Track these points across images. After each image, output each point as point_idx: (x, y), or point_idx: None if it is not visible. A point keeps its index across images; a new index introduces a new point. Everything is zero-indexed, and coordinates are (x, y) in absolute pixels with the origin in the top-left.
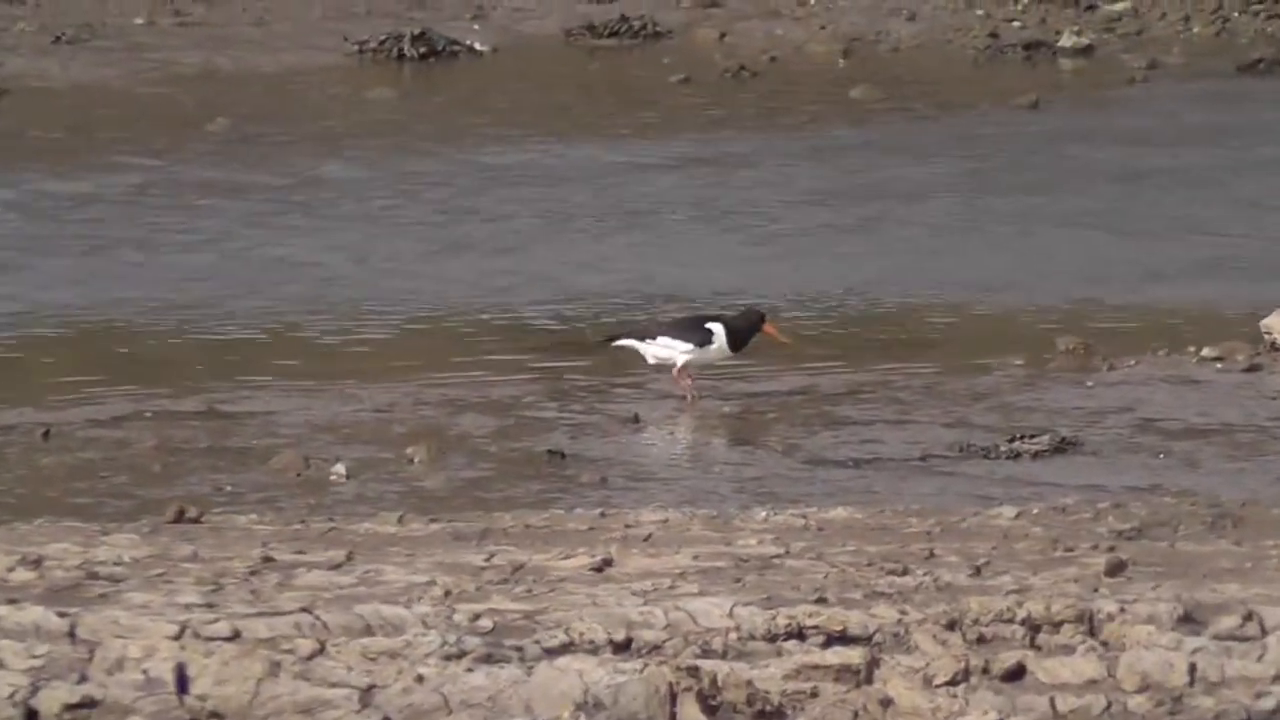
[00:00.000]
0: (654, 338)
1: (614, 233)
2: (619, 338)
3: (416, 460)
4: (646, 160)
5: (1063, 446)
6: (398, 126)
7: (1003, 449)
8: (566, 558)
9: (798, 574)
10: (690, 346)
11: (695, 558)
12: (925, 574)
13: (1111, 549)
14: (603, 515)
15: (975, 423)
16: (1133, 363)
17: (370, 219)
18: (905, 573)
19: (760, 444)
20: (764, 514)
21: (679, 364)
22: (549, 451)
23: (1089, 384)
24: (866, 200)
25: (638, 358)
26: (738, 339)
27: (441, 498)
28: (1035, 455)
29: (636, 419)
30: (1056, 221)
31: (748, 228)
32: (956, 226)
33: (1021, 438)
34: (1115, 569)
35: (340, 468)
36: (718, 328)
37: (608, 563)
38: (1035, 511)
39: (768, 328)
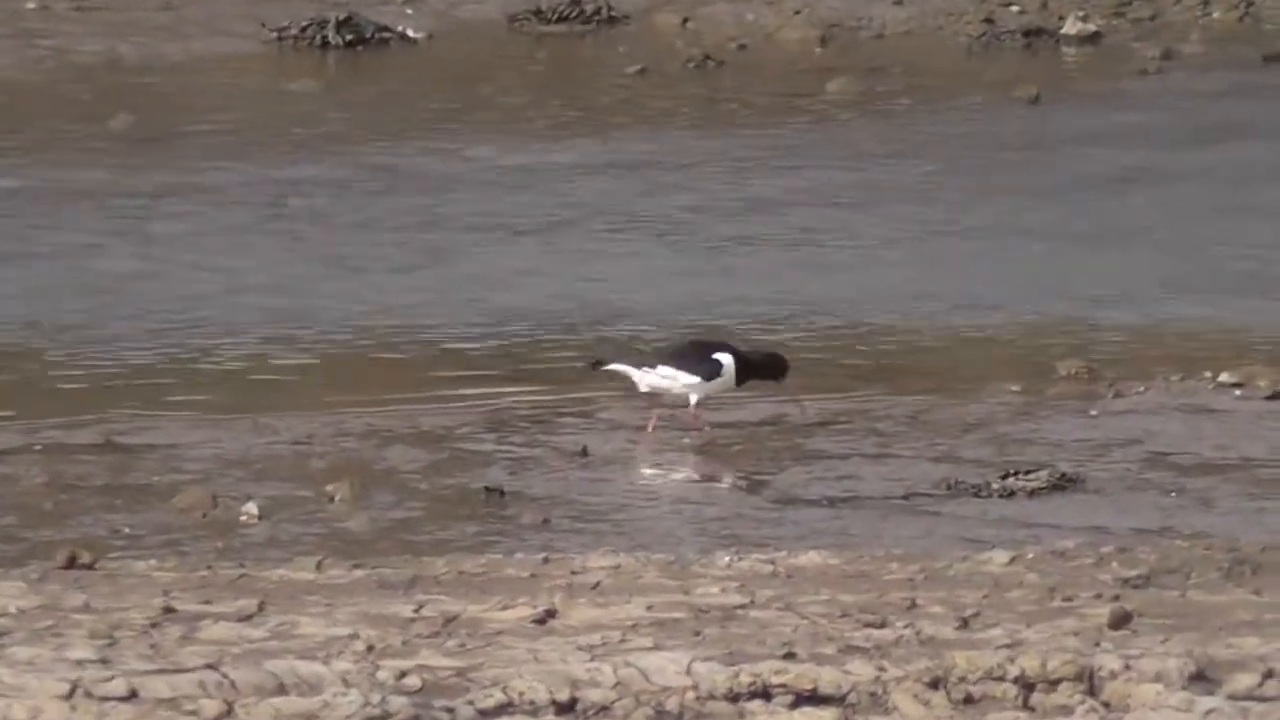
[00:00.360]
0: (653, 366)
1: (547, 243)
2: (610, 362)
3: (337, 498)
4: (591, 161)
5: (1062, 484)
6: (321, 122)
7: (995, 486)
8: (505, 608)
9: (764, 626)
10: (696, 380)
11: (649, 608)
12: (906, 626)
13: (1116, 598)
14: (546, 560)
15: (965, 457)
16: (1141, 389)
17: (288, 228)
18: (884, 625)
19: (723, 480)
20: (727, 559)
21: (693, 401)
22: (486, 489)
23: (1092, 413)
24: (837, 207)
25: (616, 382)
26: (745, 376)
27: (365, 541)
28: (1032, 493)
29: (585, 452)
30: (1057, 231)
31: (693, 238)
32: (944, 237)
33: (1016, 474)
34: (1120, 621)
35: (252, 507)
36: (727, 359)
37: (551, 614)
38: (1031, 556)
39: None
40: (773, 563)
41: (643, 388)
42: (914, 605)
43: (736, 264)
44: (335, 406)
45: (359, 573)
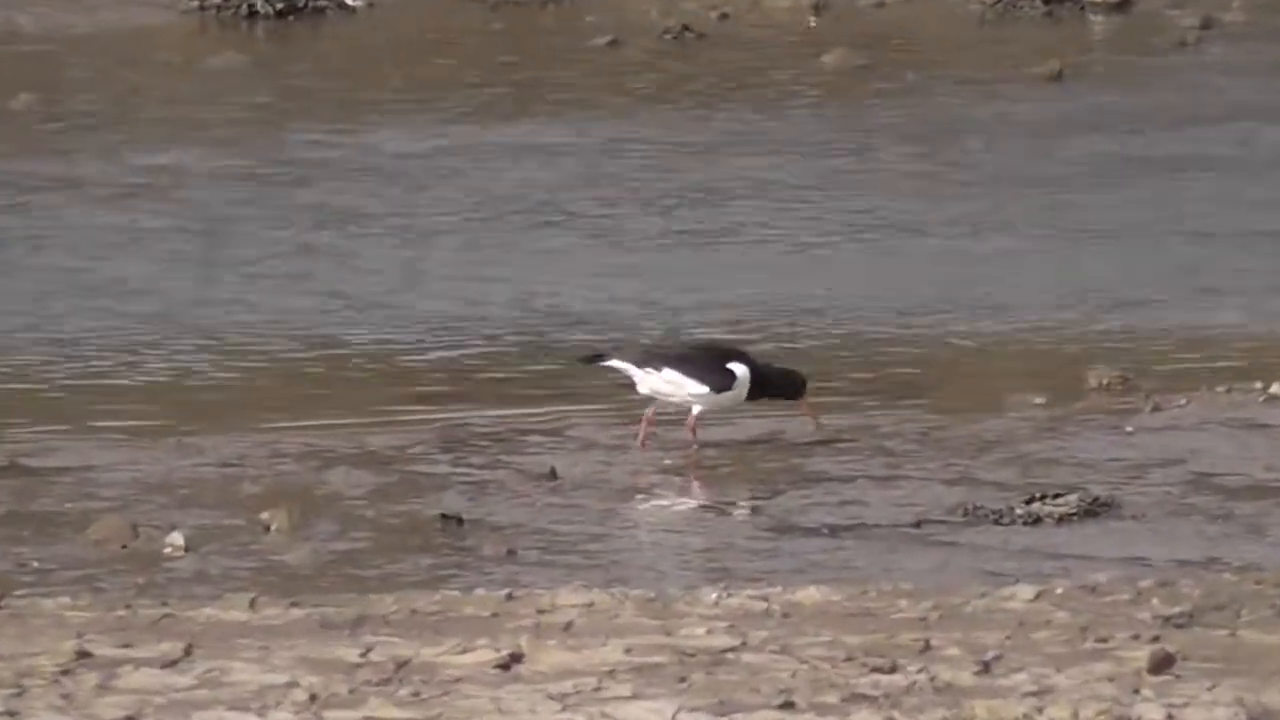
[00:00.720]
0: (657, 368)
1: (497, 241)
2: (607, 358)
3: (273, 528)
4: (544, 142)
5: (1095, 509)
6: (248, 103)
7: (1019, 512)
8: (464, 652)
9: (757, 672)
10: (705, 390)
11: (628, 651)
12: (919, 671)
13: (1156, 639)
14: (510, 597)
15: (984, 479)
16: (1183, 402)
17: (212, 223)
18: (894, 670)
19: (712, 506)
20: (715, 595)
21: (694, 413)
22: (442, 516)
23: (1128, 429)
24: (832, 195)
25: (610, 380)
26: (759, 393)
27: (305, 575)
28: (1060, 520)
29: (553, 474)
30: (1086, 224)
31: (665, 233)
32: (958, 232)
33: (1042, 498)
34: (1161, 665)
35: (176, 537)
36: (742, 372)
37: (516, 658)
38: (1059, 592)
39: (804, 406)
40: (767, 599)
41: (641, 389)
42: (928, 647)
43: (717, 259)
44: (269, 424)
45: (298, 612)
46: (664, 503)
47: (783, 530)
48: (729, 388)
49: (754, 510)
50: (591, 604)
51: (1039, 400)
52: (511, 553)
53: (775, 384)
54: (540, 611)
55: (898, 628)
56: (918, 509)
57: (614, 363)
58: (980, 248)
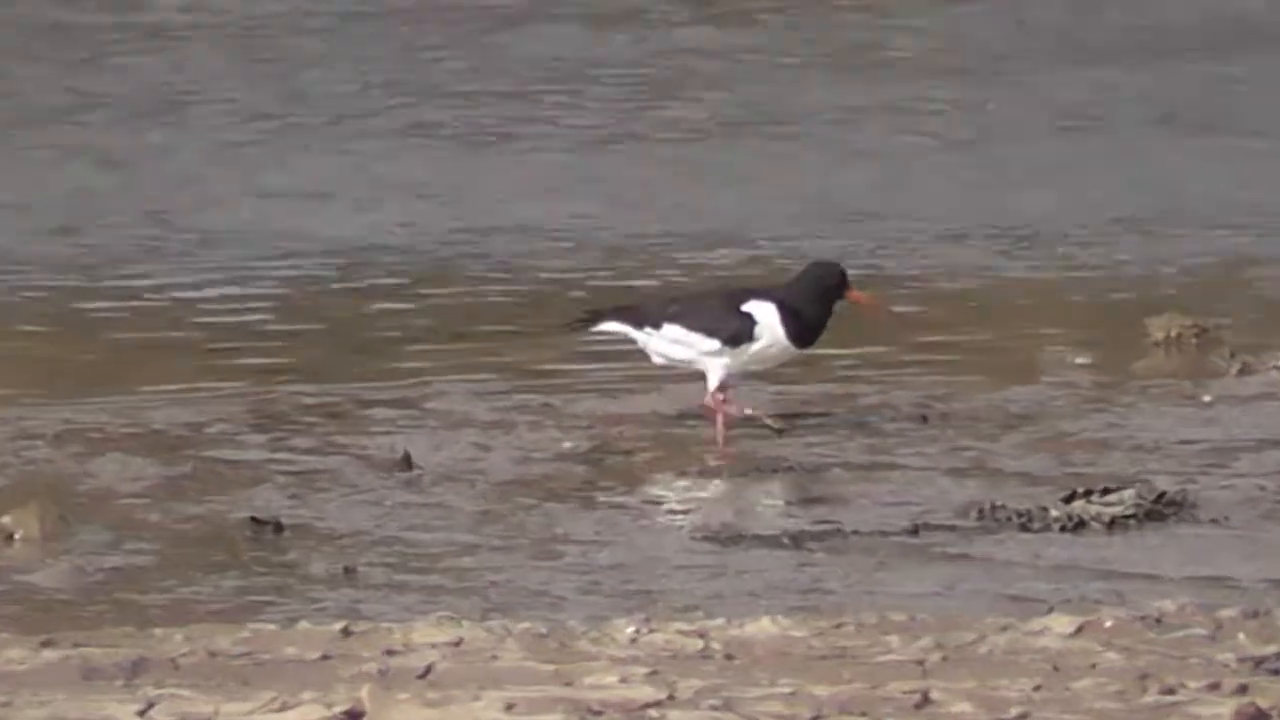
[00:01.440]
0: (657, 325)
1: (325, 143)
2: (605, 319)
3: (17, 537)
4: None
5: (1159, 509)
6: None
7: (1054, 514)
8: (283, 709)
9: None
10: (716, 345)
11: (509, 709)
12: None
13: (1243, 690)
14: (347, 633)
15: (1005, 468)
16: None
17: None
18: None
19: (630, 506)
20: (632, 629)
21: (712, 382)
22: (253, 520)
23: (1205, 399)
24: (799, 80)
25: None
26: (803, 325)
27: (63, 603)
28: (1111, 524)
29: (407, 462)
30: (1138, 119)
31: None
32: (962, 132)
33: (1087, 494)
34: None
35: None
36: (764, 310)
37: (355, 716)
38: (1110, 625)
39: (853, 295)
40: (704, 636)
41: (654, 358)
42: (926, 701)
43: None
44: (11, 395)
45: (52, 654)
46: (562, 501)
47: (727, 539)
48: (748, 337)
49: (688, 511)
50: (460, 642)
51: (1081, 360)
52: (350, 571)
53: (815, 301)
54: (389, 653)
55: (885, 675)
56: (914, 510)
57: (611, 324)
58: (995, 151)
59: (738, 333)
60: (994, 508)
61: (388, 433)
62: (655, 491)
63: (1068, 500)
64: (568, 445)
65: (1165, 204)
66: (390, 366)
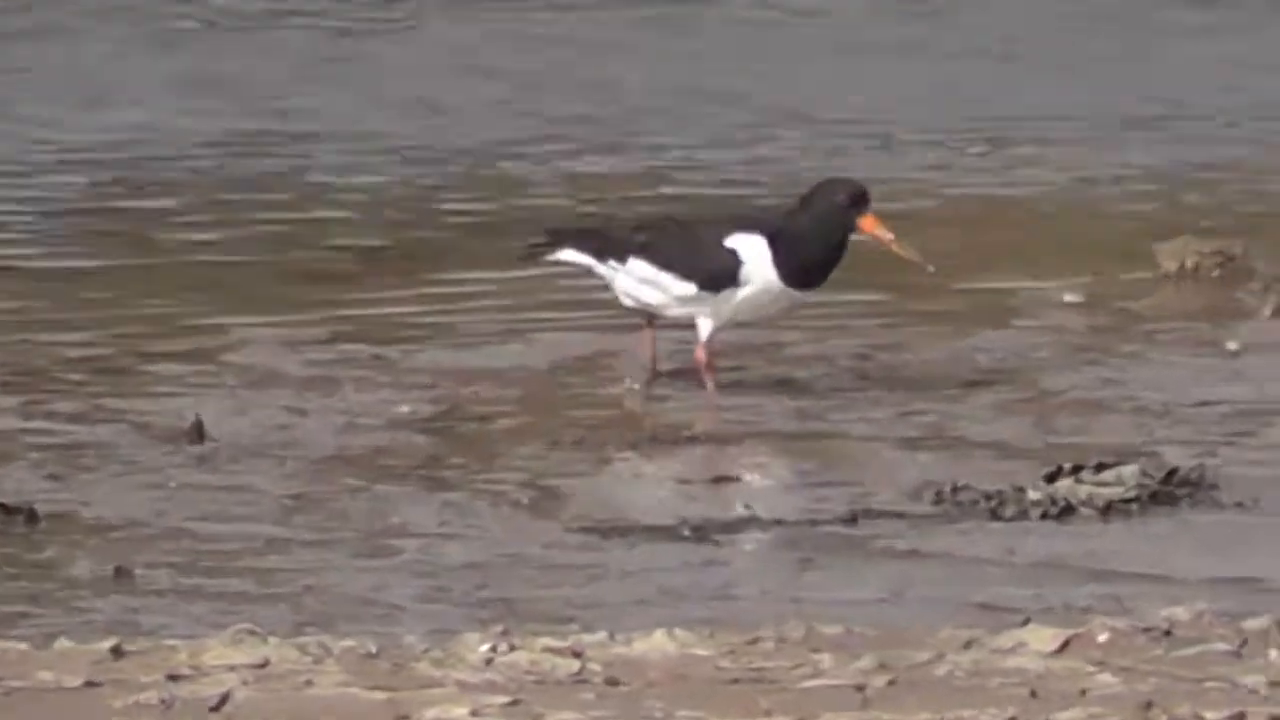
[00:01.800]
0: (622, 259)
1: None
2: (562, 245)
3: None
4: None
5: (1168, 490)
6: None
7: (1033, 496)
8: None
9: None
10: (692, 289)
11: None
12: None
13: None
14: (118, 653)
15: (970, 436)
16: None
17: None
18: None
19: (479, 488)
20: (486, 647)
21: (702, 331)
22: (1, 507)
23: (1229, 346)
24: None
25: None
26: (802, 262)
27: None
28: (1106, 509)
29: (199, 432)
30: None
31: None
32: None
33: (1076, 471)
34: None
35: None
36: (750, 245)
37: None
38: (1104, 638)
39: (868, 224)
40: (579, 655)
41: (623, 300)
42: None
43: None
44: None
45: None
46: (398, 483)
47: (611, 531)
48: (735, 281)
49: (560, 497)
50: (265, 663)
51: (1071, 297)
52: (123, 572)
53: (818, 232)
54: (173, 678)
55: (815, 704)
56: (853, 492)
57: (568, 254)
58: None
59: (718, 274)
60: (955, 489)
61: (173, 394)
62: (518, 470)
63: (1051, 479)
64: (405, 410)
65: (1178, 97)
66: (178, 309)
